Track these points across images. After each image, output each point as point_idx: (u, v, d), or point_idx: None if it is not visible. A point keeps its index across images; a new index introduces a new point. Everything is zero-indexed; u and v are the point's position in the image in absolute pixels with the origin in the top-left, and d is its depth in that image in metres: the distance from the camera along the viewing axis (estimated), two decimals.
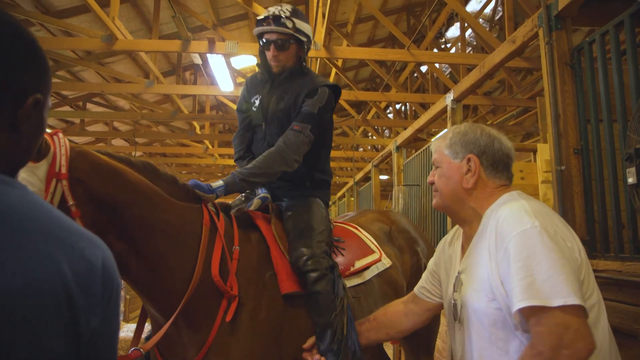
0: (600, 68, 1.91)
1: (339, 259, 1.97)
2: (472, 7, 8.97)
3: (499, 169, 1.33)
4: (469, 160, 1.32)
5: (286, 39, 1.95)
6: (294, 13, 1.97)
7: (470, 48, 9.27)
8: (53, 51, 6.24)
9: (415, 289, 1.65)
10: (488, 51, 6.10)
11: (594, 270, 1.45)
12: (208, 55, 5.15)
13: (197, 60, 5.96)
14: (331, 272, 1.79)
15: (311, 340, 1.70)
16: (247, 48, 4.97)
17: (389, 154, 5.41)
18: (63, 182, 1.23)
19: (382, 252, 2.14)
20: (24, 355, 0.52)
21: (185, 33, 4.71)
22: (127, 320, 7.22)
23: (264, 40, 1.98)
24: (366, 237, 2.18)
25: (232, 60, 7.80)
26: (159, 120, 9.61)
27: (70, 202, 1.24)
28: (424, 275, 1.63)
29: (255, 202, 1.97)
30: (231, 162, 10.67)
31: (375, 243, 2.17)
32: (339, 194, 11.40)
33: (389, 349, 4.70)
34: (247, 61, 9.17)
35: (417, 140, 5.02)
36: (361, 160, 12.19)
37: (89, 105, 9.10)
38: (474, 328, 1.23)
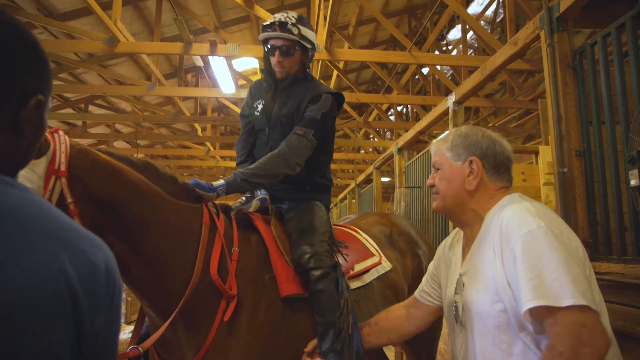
0: (602, 70, 1.90)
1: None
2: (473, 9, 8.98)
3: (500, 171, 1.33)
4: (471, 162, 1.32)
5: (291, 45, 1.97)
6: (300, 20, 1.99)
7: (471, 50, 9.28)
8: (55, 53, 6.27)
9: (416, 293, 1.64)
10: (489, 53, 6.10)
11: (597, 273, 1.45)
12: (210, 57, 5.17)
13: (199, 62, 5.98)
14: (334, 270, 1.78)
15: (312, 344, 1.69)
16: (248, 50, 4.98)
17: (391, 156, 5.41)
18: (62, 180, 1.23)
19: (382, 255, 2.14)
20: (30, 355, 0.52)
21: (187, 35, 4.73)
22: (129, 322, 7.22)
23: (269, 46, 2.00)
24: (366, 240, 2.18)
25: (234, 62, 7.81)
26: (160, 123, 9.63)
27: (69, 200, 1.24)
28: (424, 279, 1.63)
29: (254, 203, 1.97)
30: (232, 164, 10.68)
31: (376, 246, 2.17)
32: (341, 196, 11.40)
33: (390, 351, 4.68)
34: (249, 63, 9.18)
35: (419, 143, 5.03)
36: (362, 162, 12.19)
37: (90, 108, 9.13)
38: (477, 330, 1.23)
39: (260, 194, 2.04)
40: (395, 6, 9.22)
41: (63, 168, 1.24)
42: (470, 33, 8.47)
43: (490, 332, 1.18)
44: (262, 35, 2.00)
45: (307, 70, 2.10)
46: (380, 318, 1.72)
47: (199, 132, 10.02)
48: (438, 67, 7.43)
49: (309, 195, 2.06)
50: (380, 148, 12.44)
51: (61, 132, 1.28)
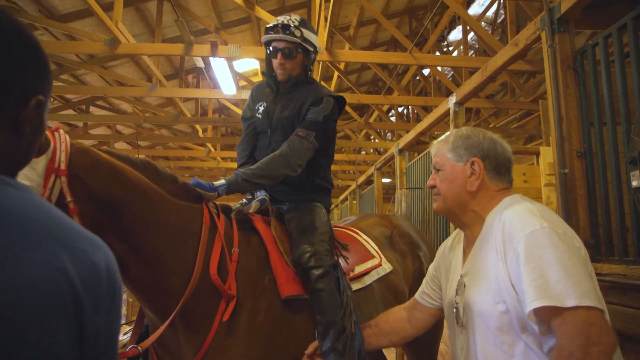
0: (603, 71, 1.90)
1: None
2: (474, 10, 8.98)
3: (501, 172, 1.33)
4: (472, 163, 1.32)
5: (293, 48, 1.98)
6: (302, 23, 2.00)
7: (472, 51, 9.28)
8: (57, 55, 6.28)
9: (417, 295, 1.64)
10: (490, 54, 6.10)
11: (598, 274, 1.45)
12: (210, 58, 5.17)
13: (200, 63, 5.99)
14: (334, 269, 1.78)
15: (313, 345, 1.68)
16: (249, 51, 4.98)
17: (392, 157, 5.41)
18: (62, 178, 1.23)
19: (382, 256, 2.13)
20: (31, 356, 0.52)
21: (188, 36, 4.73)
22: (129, 322, 7.22)
23: (272, 48, 2.01)
24: (367, 241, 2.18)
25: (235, 63, 7.82)
26: (161, 124, 9.63)
27: (69, 199, 1.24)
28: (424, 281, 1.62)
29: (254, 204, 1.97)
30: (234, 165, 10.69)
31: (376, 248, 2.16)
32: (342, 197, 11.39)
33: (391, 352, 4.68)
34: (250, 64, 9.19)
35: (420, 143, 5.03)
36: (363, 164, 12.19)
37: (92, 109, 9.14)
38: (479, 331, 1.23)
39: (260, 194, 2.04)
40: (396, 7, 9.22)
41: (63, 167, 1.23)
42: (471, 34, 8.47)
43: (491, 332, 1.18)
44: (265, 37, 2.01)
45: (309, 73, 2.11)
46: (381, 320, 1.71)
47: (200, 133, 10.03)
48: (439, 68, 7.43)
49: (309, 197, 2.06)
50: (381, 149, 12.45)
51: (61, 131, 1.28)
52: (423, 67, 8.74)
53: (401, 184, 4.87)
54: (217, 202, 1.80)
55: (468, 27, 7.66)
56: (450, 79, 8.12)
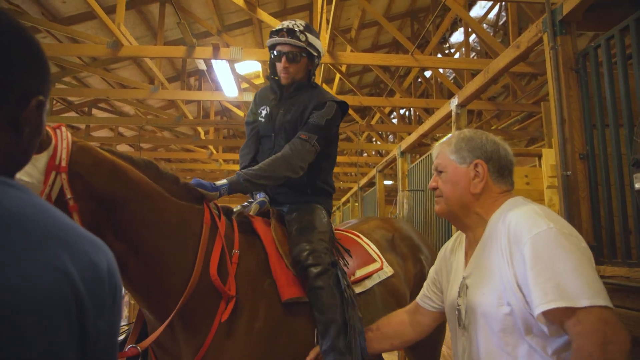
0: (606, 73, 1.90)
1: None
2: (475, 12, 8.98)
3: (504, 174, 1.33)
4: (476, 165, 1.31)
5: (298, 52, 2.01)
6: (307, 28, 2.04)
7: (474, 53, 9.28)
8: (59, 57, 6.30)
9: (418, 298, 1.63)
10: (492, 56, 6.10)
11: (601, 277, 1.44)
12: (212, 61, 5.18)
13: (202, 66, 6.01)
14: (333, 267, 1.77)
15: (315, 351, 1.66)
16: (251, 54, 4.99)
17: (394, 159, 5.40)
18: (62, 175, 1.22)
19: (383, 260, 2.13)
20: (33, 356, 0.52)
21: (190, 39, 4.74)
22: (129, 324, 7.19)
23: (276, 52, 2.03)
24: (368, 245, 2.17)
25: (237, 65, 7.84)
26: (163, 126, 9.64)
27: (69, 196, 1.23)
28: (425, 284, 1.61)
29: (254, 206, 1.97)
30: (235, 167, 10.70)
31: (377, 251, 2.15)
32: (343, 199, 11.40)
33: (394, 355, 4.67)
34: (252, 67, 9.21)
35: (422, 146, 5.02)
36: (365, 166, 12.18)
37: (94, 111, 9.16)
38: (482, 333, 1.22)
39: (259, 197, 2.04)
40: (397, 9, 9.23)
41: (64, 164, 1.23)
42: (473, 36, 8.47)
43: (495, 334, 1.17)
44: (270, 41, 2.03)
45: (312, 77, 2.13)
46: (382, 324, 1.70)
47: (202, 136, 10.05)
48: (441, 70, 7.42)
49: (310, 199, 2.07)
50: (383, 151, 12.44)
51: (63, 128, 1.28)
52: (425, 69, 8.73)
53: (403, 186, 4.87)
54: (219, 204, 1.80)
55: (470, 29, 7.66)
56: (452, 81, 8.12)
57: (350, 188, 11.29)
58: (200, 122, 8.78)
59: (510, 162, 1.35)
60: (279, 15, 7.82)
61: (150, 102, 9.01)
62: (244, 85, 8.10)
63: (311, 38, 2.03)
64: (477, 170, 1.31)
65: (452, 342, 1.43)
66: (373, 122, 9.94)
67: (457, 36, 9.76)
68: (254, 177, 1.78)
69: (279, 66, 2.04)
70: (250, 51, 5.02)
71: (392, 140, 13.13)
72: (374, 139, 12.73)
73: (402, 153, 4.99)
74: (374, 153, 13.55)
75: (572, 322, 1.02)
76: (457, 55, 9.68)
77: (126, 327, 1.84)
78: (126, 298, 6.35)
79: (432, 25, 7.97)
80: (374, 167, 6.75)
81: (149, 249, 1.44)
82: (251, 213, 1.94)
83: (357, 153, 10.73)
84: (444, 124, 4.09)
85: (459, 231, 1.48)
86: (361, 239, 2.20)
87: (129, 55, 5.25)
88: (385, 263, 2.12)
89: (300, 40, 1.99)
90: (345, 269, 1.94)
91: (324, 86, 8.10)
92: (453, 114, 3.41)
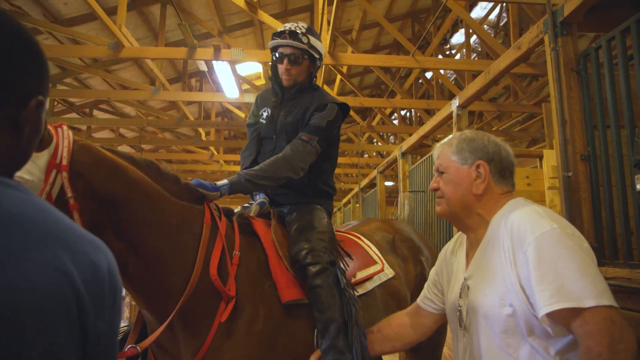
0: (607, 74, 1.90)
1: None
2: (476, 13, 8.98)
3: (505, 175, 1.33)
4: (478, 166, 1.31)
5: (300, 54, 2.01)
6: (309, 30, 2.04)
7: (475, 54, 9.28)
8: (61, 59, 6.31)
9: (419, 300, 1.62)
10: (493, 57, 6.10)
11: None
12: (214, 62, 5.19)
13: (203, 67, 6.01)
14: (332, 266, 1.76)
15: (315, 356, 1.65)
16: (252, 55, 5.00)
17: (394, 160, 5.41)
18: (63, 174, 1.22)
19: (384, 262, 2.12)
20: (34, 358, 0.52)
21: (191, 40, 4.75)
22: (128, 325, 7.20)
23: (278, 53, 2.04)
24: (369, 247, 2.16)
25: (238, 67, 7.85)
26: (164, 127, 9.65)
27: (69, 195, 1.23)
28: (426, 286, 1.61)
29: (254, 208, 1.97)
30: (237, 168, 10.71)
31: (378, 253, 2.15)
32: (344, 200, 11.40)
33: (395, 357, 4.66)
34: (253, 68, 9.22)
35: (423, 147, 5.02)
36: (366, 167, 12.18)
37: (95, 112, 9.17)
38: (483, 334, 1.22)
39: (259, 197, 2.04)
40: (398, 10, 9.24)
41: (65, 162, 1.23)
42: (474, 37, 8.47)
43: (497, 336, 1.17)
44: (272, 43, 2.04)
45: (314, 79, 2.13)
46: (383, 326, 1.69)
47: (203, 137, 10.06)
48: (442, 71, 7.43)
49: (310, 200, 2.06)
50: (384, 152, 12.44)
51: (65, 127, 1.28)
52: (426, 70, 8.74)
53: (404, 187, 4.87)
54: (220, 205, 1.80)
55: (471, 30, 7.66)
56: (453, 82, 8.12)
57: (351, 189, 11.30)
58: (201, 123, 8.79)
59: (511, 163, 1.35)
60: (280, 16, 7.83)
61: (151, 103, 9.02)
62: (245, 86, 8.11)
63: (313, 40, 2.04)
64: (479, 171, 1.31)
65: (452, 343, 1.43)
66: (374, 123, 9.95)
67: (458, 37, 9.77)
68: (254, 177, 1.78)
69: (281, 68, 2.05)
70: (251, 52, 5.02)
71: (393, 141, 13.13)
72: (374, 140, 12.73)
73: (403, 154, 4.99)
74: (374, 154, 13.56)
75: (578, 323, 1.02)
76: (458, 57, 9.68)
77: (125, 328, 1.83)
78: (127, 299, 6.35)
79: (433, 27, 7.97)
80: (375, 168, 6.75)
81: (149, 248, 1.44)
82: (251, 214, 1.94)
83: (358, 154, 10.74)
84: (444, 125, 4.09)
85: (460, 232, 1.48)
86: (362, 240, 2.20)
87: (130, 57, 5.26)
88: (386, 265, 2.12)
89: (303, 43, 2.00)
90: (344, 269, 1.94)
91: (325, 87, 8.10)
92: (454, 115, 3.41)
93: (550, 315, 1.05)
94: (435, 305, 1.55)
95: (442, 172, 1.38)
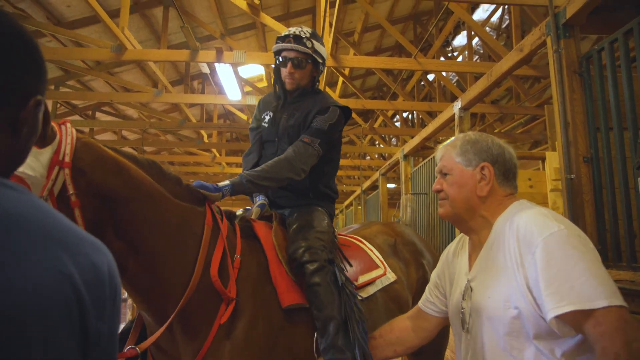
0: (609, 76, 1.90)
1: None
2: (478, 15, 8.99)
3: (509, 177, 1.33)
4: (482, 168, 1.31)
5: (303, 58, 2.03)
6: (313, 35, 2.06)
7: (477, 56, 9.27)
8: (63, 61, 6.33)
9: (421, 303, 1.61)
10: (495, 59, 6.10)
11: None
12: (216, 64, 5.19)
13: (205, 69, 6.01)
14: (330, 264, 1.75)
15: None
16: (254, 57, 5.01)
17: (397, 163, 5.40)
18: (65, 171, 1.22)
19: (386, 266, 2.11)
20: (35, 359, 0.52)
21: (194, 43, 4.76)
22: None
23: (282, 57, 2.05)
24: (371, 250, 2.15)
25: (240, 69, 7.86)
26: (167, 129, 9.68)
27: (71, 191, 1.23)
28: (427, 289, 1.60)
29: (255, 210, 1.96)
30: (239, 170, 10.70)
31: (380, 257, 2.14)
32: (346, 202, 11.39)
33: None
34: (255, 70, 9.24)
35: (425, 149, 5.02)
36: (368, 169, 12.19)
37: (98, 114, 9.20)
38: (487, 336, 1.21)
39: (259, 199, 2.04)
40: (400, 13, 9.25)
41: (67, 159, 1.23)
42: (476, 39, 8.47)
43: (501, 338, 1.17)
44: (276, 47, 2.05)
45: (316, 84, 2.14)
46: (384, 330, 1.68)
47: (205, 139, 10.07)
48: (444, 73, 7.43)
49: (311, 202, 2.06)
50: (386, 154, 12.42)
51: (68, 125, 1.28)
52: (428, 72, 8.74)
53: (406, 190, 4.87)
54: (222, 208, 1.80)
55: (473, 33, 7.66)
56: (455, 84, 8.12)
57: (354, 191, 11.29)
58: (203, 125, 8.80)
59: (514, 165, 1.35)
60: (282, 19, 7.84)
61: (153, 106, 9.03)
62: (247, 88, 8.11)
63: (317, 45, 2.05)
64: (484, 173, 1.31)
65: (455, 346, 1.42)
66: (376, 125, 9.95)
67: (460, 39, 9.77)
68: (256, 178, 1.78)
69: (284, 72, 2.05)
70: (254, 55, 5.03)
71: (395, 143, 13.13)
72: (377, 142, 12.72)
73: (405, 156, 4.99)
74: (377, 156, 13.55)
75: (591, 324, 1.01)
76: (460, 59, 9.68)
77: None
78: (129, 301, 6.35)
79: (435, 29, 7.96)
80: (377, 170, 6.75)
81: (149, 248, 1.43)
82: (253, 217, 1.94)
83: (360, 156, 10.72)
84: (447, 127, 4.09)
85: (462, 234, 1.47)
86: (364, 244, 2.19)
87: (133, 59, 5.27)
88: (388, 269, 2.11)
89: (307, 47, 2.01)
90: (343, 267, 1.93)
91: (327, 89, 8.11)
92: (456, 117, 3.41)
93: (561, 317, 1.04)
94: (437, 308, 1.54)
95: (445, 174, 1.37)
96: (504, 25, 8.84)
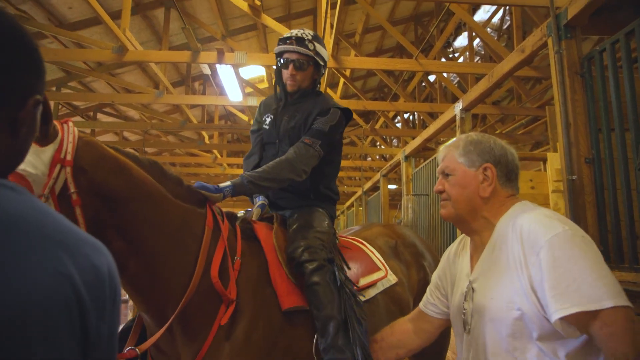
0: (611, 77, 1.89)
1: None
2: (479, 16, 8.99)
3: (511, 178, 1.32)
4: (485, 169, 1.31)
5: (305, 60, 2.03)
6: (315, 38, 2.07)
7: (478, 57, 9.27)
8: (65, 62, 6.34)
9: (421, 305, 1.61)
10: (496, 60, 6.09)
11: None
12: (217, 65, 5.20)
13: (206, 70, 6.02)
14: (330, 263, 1.75)
15: None
16: (255, 58, 5.01)
17: (398, 164, 5.40)
18: (67, 169, 1.23)
19: (387, 269, 2.10)
20: None
21: (195, 44, 4.77)
22: None
23: (284, 59, 2.05)
24: (372, 252, 2.15)
25: (241, 70, 7.87)
26: (168, 130, 9.69)
27: (72, 190, 1.23)
28: (428, 290, 1.59)
29: (255, 211, 1.96)
30: (240, 171, 10.72)
31: (381, 259, 2.13)
32: (348, 203, 11.38)
33: None
34: (256, 71, 9.24)
35: (426, 150, 5.01)
36: (370, 170, 12.18)
37: (99, 116, 9.21)
38: (489, 337, 1.21)
39: (259, 200, 2.04)
40: (401, 14, 9.25)
41: (69, 157, 1.23)
42: (477, 40, 8.47)
43: (503, 339, 1.17)
44: (278, 48, 2.05)
45: (317, 86, 2.15)
46: (386, 333, 1.67)
47: (206, 140, 10.07)
48: (445, 74, 7.43)
49: (312, 203, 2.06)
50: (387, 155, 12.43)
51: (71, 123, 1.29)
52: (429, 73, 8.75)
53: (407, 191, 4.86)
54: (223, 209, 1.79)
55: (474, 34, 7.66)
56: (456, 85, 8.12)
57: (355, 192, 11.28)
58: (204, 126, 8.81)
59: (516, 166, 1.34)
60: (283, 20, 7.85)
61: (155, 107, 9.04)
62: (248, 89, 8.12)
63: (319, 47, 2.06)
64: (486, 174, 1.30)
65: (456, 347, 1.42)
66: (377, 126, 9.95)
67: (461, 40, 9.77)
68: (257, 178, 1.78)
69: (286, 73, 2.06)
70: (255, 56, 5.04)
71: (396, 144, 13.13)
72: (378, 143, 12.72)
73: (407, 157, 4.99)
74: (378, 157, 13.55)
75: (598, 325, 1.01)
76: (461, 60, 9.68)
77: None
78: (131, 302, 6.36)
79: (436, 30, 7.97)
80: (378, 171, 6.75)
81: (150, 248, 1.43)
82: (254, 218, 1.94)
83: (361, 157, 10.72)
84: (448, 128, 4.08)
85: (463, 234, 1.47)
86: (365, 246, 2.19)
87: (134, 60, 5.28)
88: (389, 271, 2.10)
89: (309, 49, 2.01)
90: (342, 266, 1.92)
91: (328, 90, 8.12)
92: (457, 118, 3.40)
93: (566, 318, 1.04)
94: (439, 309, 1.53)
95: (447, 175, 1.36)
96: (505, 26, 8.84)
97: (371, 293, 1.98)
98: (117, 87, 8.30)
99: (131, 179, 1.41)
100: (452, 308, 1.43)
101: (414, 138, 5.14)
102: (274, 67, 2.15)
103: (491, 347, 1.20)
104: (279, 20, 7.02)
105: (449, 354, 2.57)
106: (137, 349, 1.45)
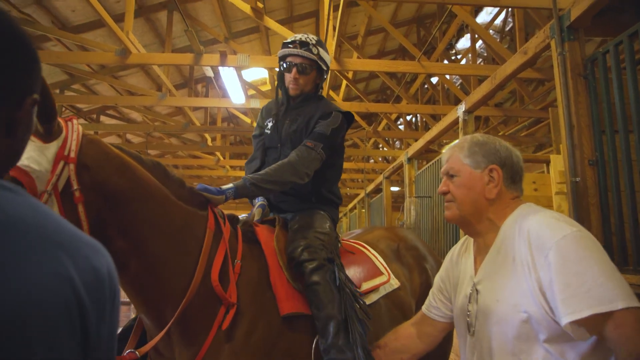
0: (614, 78, 1.89)
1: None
2: (482, 18, 8.98)
3: (515, 180, 1.32)
4: (491, 170, 1.30)
5: (308, 65, 2.04)
6: (319, 42, 2.07)
7: (480, 59, 9.26)
8: (68, 65, 6.36)
9: (424, 308, 1.60)
10: (499, 62, 6.09)
11: None
12: (220, 68, 5.22)
13: (209, 73, 6.05)
14: (330, 263, 1.74)
15: None
16: (258, 61, 5.02)
17: (400, 166, 5.40)
18: (70, 166, 1.23)
19: (390, 273, 2.09)
20: None
21: (198, 46, 4.78)
22: None
23: (287, 63, 2.05)
24: (375, 256, 2.13)
25: (244, 72, 7.89)
26: (171, 132, 9.72)
27: (75, 187, 1.23)
28: (431, 293, 1.58)
29: (256, 211, 1.97)
30: (242, 173, 10.73)
31: (384, 263, 2.12)
32: (350, 205, 11.38)
33: None
34: (258, 74, 9.26)
35: (429, 152, 5.01)
36: (372, 172, 12.18)
37: (102, 118, 9.25)
38: (495, 339, 1.20)
39: (258, 200, 2.04)
40: (404, 16, 9.25)
41: (73, 155, 1.24)
42: (480, 42, 8.46)
43: (509, 341, 1.16)
44: (282, 52, 2.05)
45: (320, 91, 2.15)
46: (389, 339, 1.66)
47: (209, 142, 10.09)
48: (447, 76, 7.42)
49: (314, 206, 2.06)
50: (390, 157, 12.43)
51: (75, 121, 1.29)
52: (431, 75, 8.74)
53: (410, 193, 4.86)
54: (225, 212, 1.79)
55: (476, 35, 7.66)
56: (458, 87, 8.11)
57: (357, 194, 11.28)
58: (207, 128, 8.83)
59: (521, 168, 1.34)
60: (286, 22, 7.86)
61: (157, 109, 9.07)
62: (251, 92, 8.14)
63: (322, 52, 2.06)
64: (492, 176, 1.29)
65: (460, 349, 1.41)
66: (380, 128, 9.95)
67: (464, 42, 9.77)
68: (260, 181, 1.78)
69: (289, 77, 2.06)
70: (257, 58, 5.05)
71: (398, 146, 13.12)
72: (380, 145, 12.72)
73: (409, 159, 4.98)
74: (380, 159, 13.55)
75: (611, 327, 1.00)
76: (463, 62, 9.67)
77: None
78: (131, 306, 6.36)
79: (439, 32, 7.97)
80: (381, 173, 6.74)
81: (150, 249, 1.43)
82: (255, 219, 1.94)
83: (363, 159, 10.73)
84: (451, 130, 4.08)
85: (466, 236, 1.46)
86: (368, 250, 2.18)
87: (137, 63, 5.30)
88: (392, 276, 2.09)
89: (313, 53, 2.02)
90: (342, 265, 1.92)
91: (331, 93, 8.13)
92: (460, 120, 3.40)
93: (578, 321, 1.03)
94: (442, 312, 1.52)
95: (452, 176, 1.35)
96: (507, 28, 8.84)
97: (373, 298, 1.96)
98: (120, 90, 8.33)
99: (134, 178, 1.41)
100: (455, 310, 1.42)
101: (416, 140, 5.14)
102: (277, 69, 2.16)
103: (496, 349, 1.20)
104: (282, 22, 7.04)
105: (452, 356, 2.56)
106: (137, 352, 1.45)
